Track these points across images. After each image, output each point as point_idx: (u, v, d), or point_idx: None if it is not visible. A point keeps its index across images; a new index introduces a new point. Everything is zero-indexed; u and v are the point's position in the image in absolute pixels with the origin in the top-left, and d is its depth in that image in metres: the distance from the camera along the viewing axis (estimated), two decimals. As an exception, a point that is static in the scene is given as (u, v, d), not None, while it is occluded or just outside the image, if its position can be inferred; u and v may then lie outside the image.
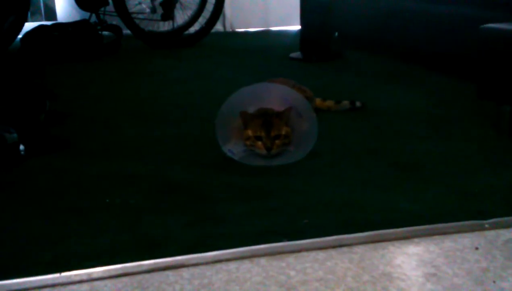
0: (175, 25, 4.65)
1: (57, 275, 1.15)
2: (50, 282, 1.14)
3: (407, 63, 3.57)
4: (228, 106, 1.85)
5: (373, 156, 1.86)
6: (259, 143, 1.79)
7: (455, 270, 1.16)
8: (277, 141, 1.79)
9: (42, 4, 5.49)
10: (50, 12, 5.47)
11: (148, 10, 4.58)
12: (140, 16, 4.51)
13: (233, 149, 1.82)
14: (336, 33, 3.99)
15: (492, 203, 1.46)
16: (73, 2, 4.36)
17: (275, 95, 1.92)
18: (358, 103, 2.42)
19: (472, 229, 1.33)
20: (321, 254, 1.23)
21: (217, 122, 1.84)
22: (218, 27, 5.31)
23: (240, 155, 1.82)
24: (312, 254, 1.23)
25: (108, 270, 1.17)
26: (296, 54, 3.92)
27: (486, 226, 1.34)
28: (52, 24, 4.07)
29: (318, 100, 2.41)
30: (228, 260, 1.21)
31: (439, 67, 3.28)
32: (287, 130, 1.82)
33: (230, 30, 5.63)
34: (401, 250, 1.25)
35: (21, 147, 1.87)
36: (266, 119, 1.80)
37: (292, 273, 1.16)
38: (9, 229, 1.38)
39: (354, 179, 1.66)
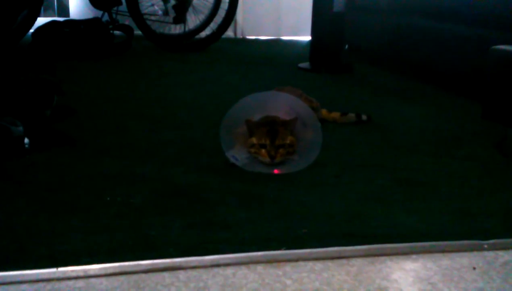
0: (187, 28, 4.67)
1: (53, 269, 1.16)
2: (46, 276, 1.14)
3: (416, 79, 3.57)
4: (233, 113, 1.85)
5: (376, 170, 1.86)
6: (263, 151, 1.79)
7: (452, 289, 1.15)
8: (281, 150, 1.79)
9: (55, 0, 5.52)
10: (63, 9, 5.50)
11: (160, 12, 4.61)
12: (152, 17, 4.54)
13: (237, 155, 1.83)
14: (347, 46, 4.00)
15: (492, 223, 1.46)
16: (87, 0, 4.38)
17: (281, 104, 1.92)
18: (364, 117, 2.43)
19: (471, 249, 1.32)
20: (318, 265, 1.23)
21: (222, 128, 1.85)
22: (229, 33, 5.34)
23: (243, 161, 1.82)
24: (309, 264, 1.23)
25: (105, 268, 1.17)
26: (305, 64, 3.93)
27: (485, 246, 1.33)
28: (64, 21, 4.09)
29: (324, 111, 2.41)
30: (225, 264, 1.21)
31: (447, 85, 3.28)
32: (291, 139, 1.82)
33: (241, 37, 5.65)
34: (398, 265, 1.25)
35: (26, 140, 1.87)
36: (272, 127, 1.80)
37: (288, 282, 1.16)
38: (8, 222, 1.38)
39: (356, 192, 1.66)
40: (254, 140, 1.80)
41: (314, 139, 1.85)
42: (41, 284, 1.12)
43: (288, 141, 1.81)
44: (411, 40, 3.61)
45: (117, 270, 1.17)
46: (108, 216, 1.43)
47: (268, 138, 1.78)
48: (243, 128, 1.85)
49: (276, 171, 1.78)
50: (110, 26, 4.24)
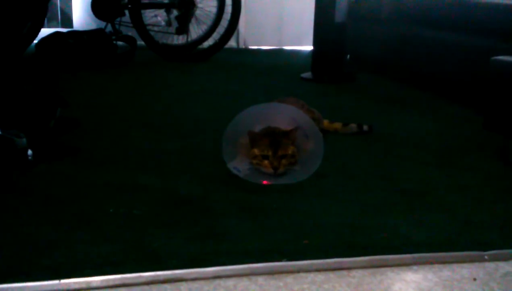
0: (189, 39, 4.69)
1: (56, 281, 1.16)
2: (48, 288, 1.15)
3: (418, 89, 3.58)
4: (235, 124, 1.86)
5: (377, 180, 1.86)
6: (266, 162, 1.80)
7: (452, 300, 1.16)
8: (283, 161, 1.80)
9: (59, 11, 5.55)
10: (67, 19, 5.52)
11: (163, 23, 4.63)
12: (155, 28, 4.56)
13: (239, 166, 1.83)
14: (348, 56, 4.01)
15: (493, 234, 1.46)
16: (90, 11, 4.41)
17: (283, 115, 1.93)
18: (365, 127, 2.43)
19: (471, 260, 1.33)
20: (319, 276, 1.23)
21: (224, 139, 1.86)
22: (232, 43, 5.35)
23: (245, 172, 1.82)
24: (311, 276, 1.23)
25: (107, 280, 1.18)
26: (307, 74, 3.94)
27: (486, 257, 1.34)
28: (68, 32, 4.11)
29: (325, 122, 2.41)
30: (226, 276, 1.22)
31: (449, 95, 3.29)
32: (293, 150, 1.83)
33: (243, 47, 5.66)
34: (399, 276, 1.25)
35: (29, 152, 1.88)
36: (274, 138, 1.81)
37: (289, 293, 1.16)
38: (12, 233, 1.39)
39: (357, 202, 1.67)
40: (256, 151, 1.81)
41: (316, 150, 1.86)
42: (43, 296, 1.13)
43: (290, 152, 1.82)
44: (413, 50, 3.62)
45: (118, 282, 1.18)
46: (111, 227, 1.44)
47: (271, 149, 1.79)
48: (245, 139, 1.86)
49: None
50: (113, 37, 4.26)
